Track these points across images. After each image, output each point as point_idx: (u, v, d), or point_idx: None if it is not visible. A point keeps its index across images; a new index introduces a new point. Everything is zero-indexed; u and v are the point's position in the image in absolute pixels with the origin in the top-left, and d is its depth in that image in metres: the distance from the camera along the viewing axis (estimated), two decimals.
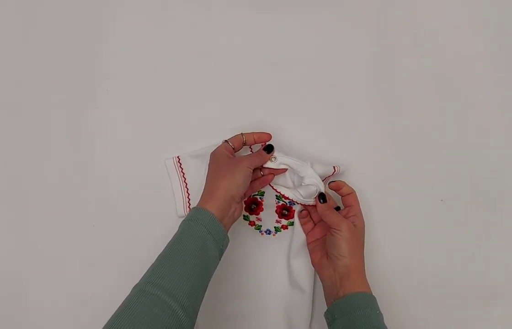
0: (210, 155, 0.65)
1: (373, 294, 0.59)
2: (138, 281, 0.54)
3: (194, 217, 0.58)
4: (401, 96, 0.74)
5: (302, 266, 0.67)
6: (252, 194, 0.70)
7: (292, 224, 0.69)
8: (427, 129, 0.73)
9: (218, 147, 0.66)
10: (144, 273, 0.55)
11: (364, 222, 0.64)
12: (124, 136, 0.73)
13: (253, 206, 0.70)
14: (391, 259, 0.71)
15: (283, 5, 0.76)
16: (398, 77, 0.74)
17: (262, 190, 0.70)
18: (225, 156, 0.63)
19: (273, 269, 0.69)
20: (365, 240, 0.64)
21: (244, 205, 0.69)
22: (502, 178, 0.73)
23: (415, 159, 0.73)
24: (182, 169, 0.71)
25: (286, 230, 0.70)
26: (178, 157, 0.71)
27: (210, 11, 0.76)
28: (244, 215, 0.70)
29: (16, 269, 0.71)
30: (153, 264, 0.55)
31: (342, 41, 0.75)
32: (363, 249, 0.63)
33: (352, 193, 0.65)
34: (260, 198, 0.70)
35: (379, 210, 0.71)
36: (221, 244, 0.59)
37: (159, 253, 0.56)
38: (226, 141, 0.66)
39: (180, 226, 0.59)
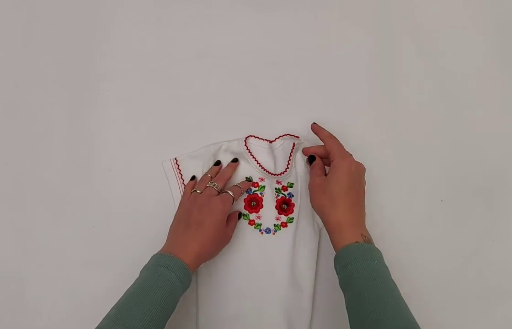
0: (215, 205, 0.62)
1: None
2: (104, 317, 0.53)
3: (168, 265, 0.57)
4: (401, 96, 0.74)
5: (304, 265, 0.67)
6: (253, 190, 0.70)
7: (291, 220, 0.69)
8: (427, 129, 0.73)
9: (225, 204, 0.63)
10: (113, 307, 0.54)
11: (349, 164, 0.62)
12: (124, 136, 0.73)
13: (253, 203, 0.70)
14: (391, 259, 0.71)
15: (283, 5, 0.76)
16: (398, 77, 0.74)
17: (263, 184, 0.70)
18: (223, 223, 0.63)
19: (273, 269, 0.69)
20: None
21: (243, 204, 0.70)
22: (502, 178, 0.73)
23: (415, 159, 0.73)
24: (180, 171, 0.71)
25: (285, 228, 0.70)
26: (175, 159, 0.71)
27: (210, 11, 0.76)
28: (244, 214, 0.70)
29: (16, 269, 0.71)
30: (121, 302, 0.55)
31: (342, 41, 0.75)
32: (351, 198, 0.60)
33: (328, 136, 0.66)
34: (260, 193, 0.70)
35: (378, 210, 0.71)
36: (186, 288, 0.59)
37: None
38: (229, 194, 0.65)
39: (151, 269, 0.58)
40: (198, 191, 0.65)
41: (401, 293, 0.69)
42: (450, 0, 0.76)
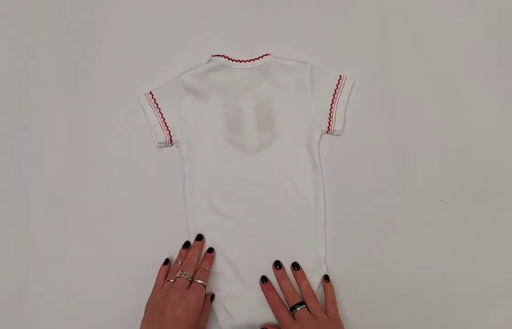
0: (190, 301, 0.60)
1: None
2: None
3: None
4: (401, 96, 0.74)
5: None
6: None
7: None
8: (427, 129, 0.73)
9: (199, 298, 0.62)
10: None
11: (332, 313, 0.64)
12: (124, 136, 0.73)
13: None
14: (391, 259, 0.71)
15: (283, 5, 0.76)
16: (398, 76, 0.74)
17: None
18: (198, 317, 0.61)
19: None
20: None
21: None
22: (502, 178, 0.73)
23: (415, 159, 0.73)
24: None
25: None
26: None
27: (210, 11, 0.76)
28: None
29: (16, 269, 0.71)
30: None
31: (342, 41, 0.75)
32: None
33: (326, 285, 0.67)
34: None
35: (379, 210, 0.71)
36: None
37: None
38: (200, 284, 0.63)
39: None
40: (171, 280, 0.63)
41: (401, 293, 0.69)
42: (451, 0, 0.76)
